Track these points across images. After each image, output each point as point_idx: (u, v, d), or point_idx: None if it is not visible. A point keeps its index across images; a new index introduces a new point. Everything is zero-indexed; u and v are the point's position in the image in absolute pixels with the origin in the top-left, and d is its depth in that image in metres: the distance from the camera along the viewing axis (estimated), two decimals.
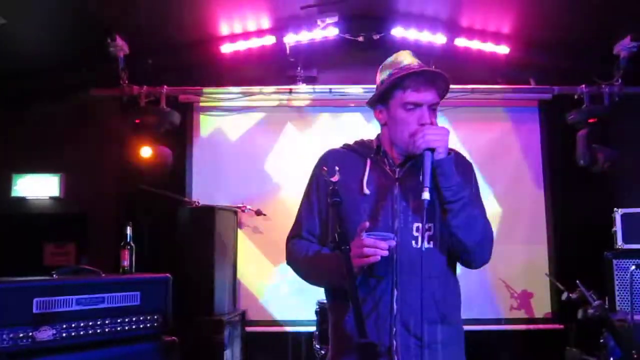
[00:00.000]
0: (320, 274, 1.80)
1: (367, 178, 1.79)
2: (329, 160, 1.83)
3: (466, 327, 4.99)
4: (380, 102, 1.83)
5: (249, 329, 4.49)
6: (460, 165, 1.80)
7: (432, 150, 1.66)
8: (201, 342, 3.77)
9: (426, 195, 1.60)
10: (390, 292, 1.71)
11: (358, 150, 1.89)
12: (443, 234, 1.76)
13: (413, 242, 1.73)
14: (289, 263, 1.92)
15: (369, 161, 1.84)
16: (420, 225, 1.73)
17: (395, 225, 1.74)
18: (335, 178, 1.60)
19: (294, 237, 1.90)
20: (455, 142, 4.51)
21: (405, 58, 1.82)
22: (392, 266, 1.70)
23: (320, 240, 1.86)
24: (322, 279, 1.84)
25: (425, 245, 1.74)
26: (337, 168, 1.62)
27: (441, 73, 1.75)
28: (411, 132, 1.73)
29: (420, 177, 1.66)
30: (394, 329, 1.69)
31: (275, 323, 4.65)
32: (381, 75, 1.84)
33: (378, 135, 1.92)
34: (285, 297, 4.68)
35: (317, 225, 1.86)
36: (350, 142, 1.95)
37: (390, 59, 1.85)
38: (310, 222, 1.87)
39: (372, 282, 1.72)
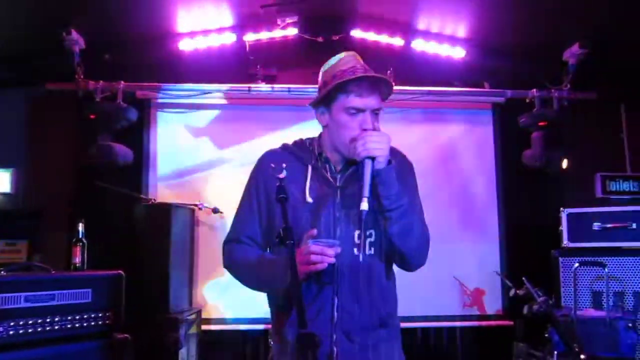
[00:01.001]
0: (263, 278, 1.79)
1: (309, 186, 1.79)
2: (268, 161, 1.80)
3: (420, 324, 5.06)
4: (322, 104, 1.81)
5: (205, 327, 4.48)
6: (400, 167, 1.80)
7: (373, 158, 1.66)
8: (156, 341, 3.73)
9: (364, 205, 1.61)
10: (331, 300, 1.71)
11: (298, 155, 1.87)
12: (382, 240, 1.78)
13: (355, 249, 1.75)
14: (227, 267, 1.90)
15: (310, 168, 1.82)
16: (360, 232, 1.72)
17: (337, 233, 1.74)
18: (283, 175, 1.61)
19: (231, 241, 1.88)
20: (410, 144, 4.60)
21: (350, 60, 1.80)
22: (334, 274, 1.71)
23: (260, 245, 1.84)
24: (265, 284, 1.82)
25: (367, 251, 1.76)
26: (284, 165, 1.63)
27: (385, 78, 1.75)
28: (352, 137, 1.73)
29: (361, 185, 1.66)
30: (334, 336, 1.69)
31: (232, 321, 4.64)
32: (324, 76, 1.82)
33: (320, 134, 1.91)
34: (242, 295, 4.65)
35: (257, 230, 1.84)
36: (290, 142, 1.94)
37: (334, 60, 1.82)
38: (249, 226, 1.85)
39: (313, 291, 1.73)
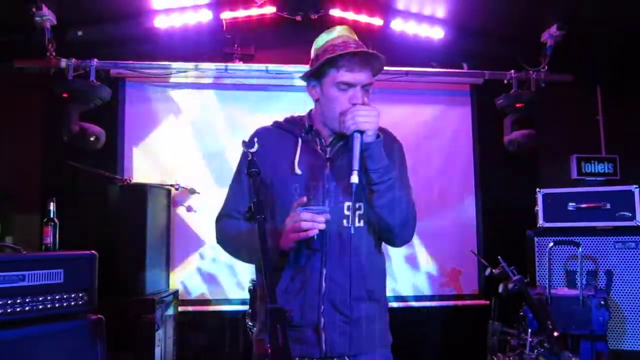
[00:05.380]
0: (255, 249, 1.77)
1: (298, 158, 1.79)
2: (257, 138, 1.77)
3: (398, 304, 5.10)
4: (313, 77, 1.82)
5: (182, 308, 4.45)
6: (389, 144, 1.82)
7: (362, 132, 1.68)
8: (132, 322, 3.70)
9: (355, 178, 1.63)
10: (319, 270, 1.73)
11: (288, 129, 1.88)
12: (370, 212, 1.79)
13: (344, 221, 1.76)
14: (219, 242, 1.90)
15: (300, 140, 1.83)
16: (350, 204, 1.76)
17: (326, 204, 1.75)
18: (254, 149, 1.60)
19: (223, 216, 1.89)
20: (389, 124, 4.57)
21: (342, 34, 1.80)
22: (323, 244, 1.72)
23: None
24: (257, 255, 1.83)
25: (357, 224, 1.77)
26: (255, 139, 1.62)
27: (376, 54, 1.74)
28: (342, 111, 1.74)
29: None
30: (322, 307, 1.71)
31: (209, 302, 4.63)
32: (316, 50, 1.81)
33: (310, 111, 1.91)
34: (219, 276, 4.67)
35: (247, 204, 1.85)
36: (281, 119, 1.94)
37: (326, 33, 1.82)
38: (239, 201, 1.86)
39: (301, 261, 1.73)
